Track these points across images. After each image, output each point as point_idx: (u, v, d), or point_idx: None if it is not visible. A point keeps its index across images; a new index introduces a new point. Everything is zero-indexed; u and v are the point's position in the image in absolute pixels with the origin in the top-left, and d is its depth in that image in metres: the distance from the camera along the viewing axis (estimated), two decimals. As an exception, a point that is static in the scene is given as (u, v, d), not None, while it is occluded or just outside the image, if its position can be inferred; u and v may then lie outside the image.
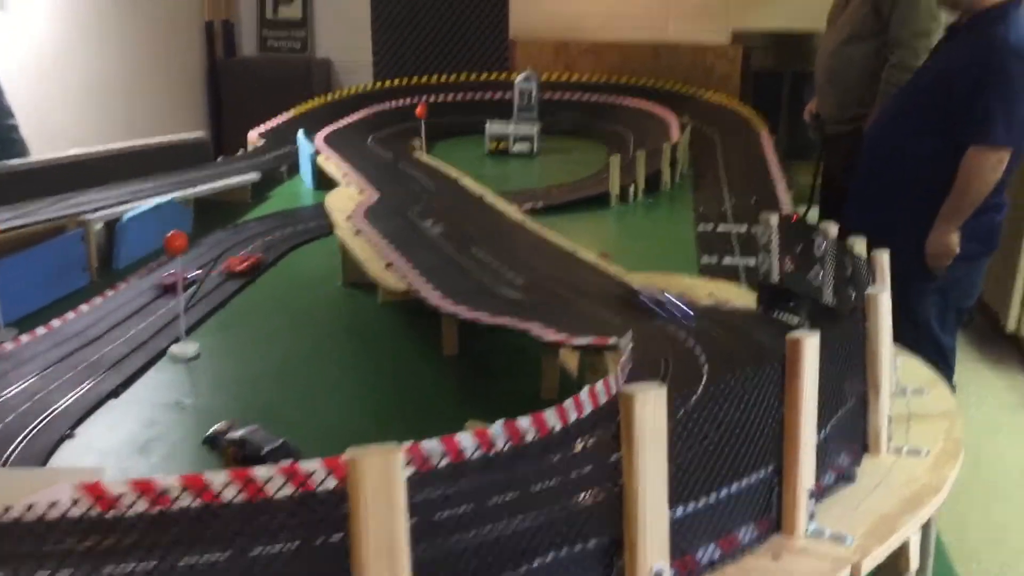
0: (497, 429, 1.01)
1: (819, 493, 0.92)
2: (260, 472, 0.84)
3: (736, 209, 3.09)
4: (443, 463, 0.96)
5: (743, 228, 2.89)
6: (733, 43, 5.15)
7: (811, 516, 0.88)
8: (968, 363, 3.91)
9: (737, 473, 0.83)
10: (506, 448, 0.99)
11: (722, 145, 3.86)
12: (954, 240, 2.76)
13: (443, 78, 4.59)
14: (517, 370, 1.89)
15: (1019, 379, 3.97)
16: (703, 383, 1.15)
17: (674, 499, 0.76)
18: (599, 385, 1.14)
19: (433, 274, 1.94)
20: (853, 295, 1.30)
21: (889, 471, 1.01)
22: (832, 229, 1.47)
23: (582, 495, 0.88)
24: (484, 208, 2.60)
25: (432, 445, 0.94)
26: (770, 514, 0.87)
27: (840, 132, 3.60)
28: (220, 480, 0.83)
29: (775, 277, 1.63)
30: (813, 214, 3.78)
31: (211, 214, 2.99)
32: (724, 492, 0.82)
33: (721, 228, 2.91)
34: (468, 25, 5.01)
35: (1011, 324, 3.96)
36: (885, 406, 1.03)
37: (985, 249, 2.89)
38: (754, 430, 0.82)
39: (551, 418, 1.05)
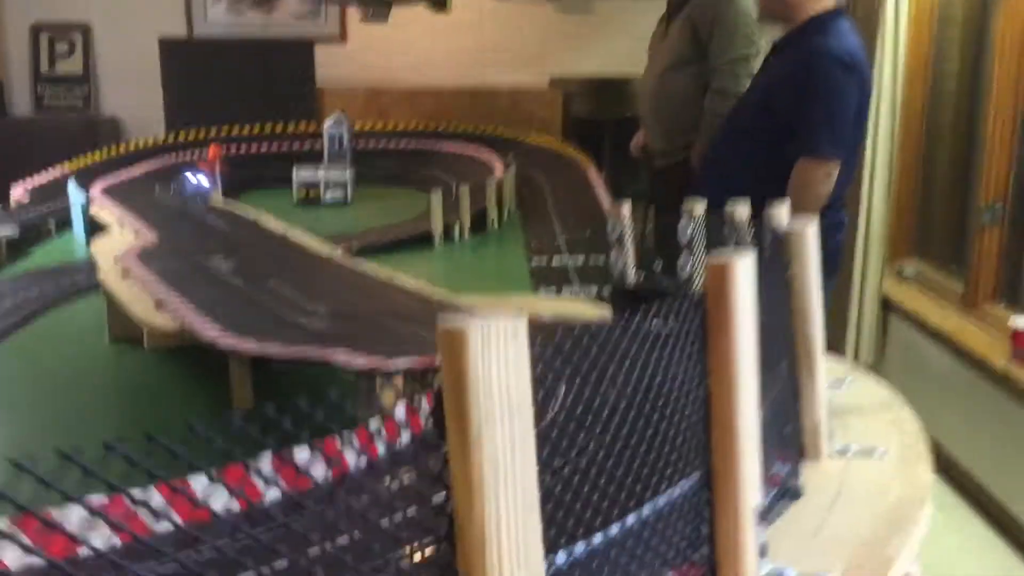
0: (263, 468, 0.66)
1: (763, 515, 0.61)
2: None
3: (571, 243, 2.86)
4: (165, 524, 0.59)
5: (580, 260, 2.65)
6: (551, 88, 5.03)
7: (763, 550, 0.57)
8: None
9: (646, 488, 0.50)
10: (277, 498, 0.64)
11: (549, 184, 3.65)
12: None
13: (245, 129, 4.20)
14: (327, 423, 1.53)
15: (860, 411, 3.89)
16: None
17: (551, 538, 0.43)
18: (423, 399, 0.81)
19: (214, 310, 1.55)
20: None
21: (843, 480, 0.72)
22: (699, 207, 1.21)
23: (402, 553, 0.54)
24: (286, 244, 2.23)
25: (147, 496, 0.57)
26: (699, 551, 0.55)
27: (668, 164, 3.46)
28: None
29: (631, 278, 1.35)
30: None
31: (-48, 275, 2.47)
32: (629, 521, 0.49)
33: (556, 262, 2.66)
34: (271, 75, 4.65)
35: (848, 353, 3.90)
36: (822, 393, 0.75)
37: (827, 271, 2.77)
38: (666, 411, 0.51)
39: (351, 447, 0.70)
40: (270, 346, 1.31)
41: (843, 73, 2.46)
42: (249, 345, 1.34)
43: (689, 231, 1.20)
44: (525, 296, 1.76)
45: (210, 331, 1.42)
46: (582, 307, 1.58)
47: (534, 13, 4.99)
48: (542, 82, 5.04)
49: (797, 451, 0.74)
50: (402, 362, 1.14)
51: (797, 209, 2.66)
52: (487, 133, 4.29)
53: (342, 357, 1.20)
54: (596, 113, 5.18)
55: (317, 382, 1.55)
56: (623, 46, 4.88)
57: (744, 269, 0.53)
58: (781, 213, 0.91)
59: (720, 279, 0.53)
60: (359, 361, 1.18)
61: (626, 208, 1.34)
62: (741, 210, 1.01)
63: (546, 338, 0.43)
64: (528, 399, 0.39)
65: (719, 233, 1.14)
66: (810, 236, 0.75)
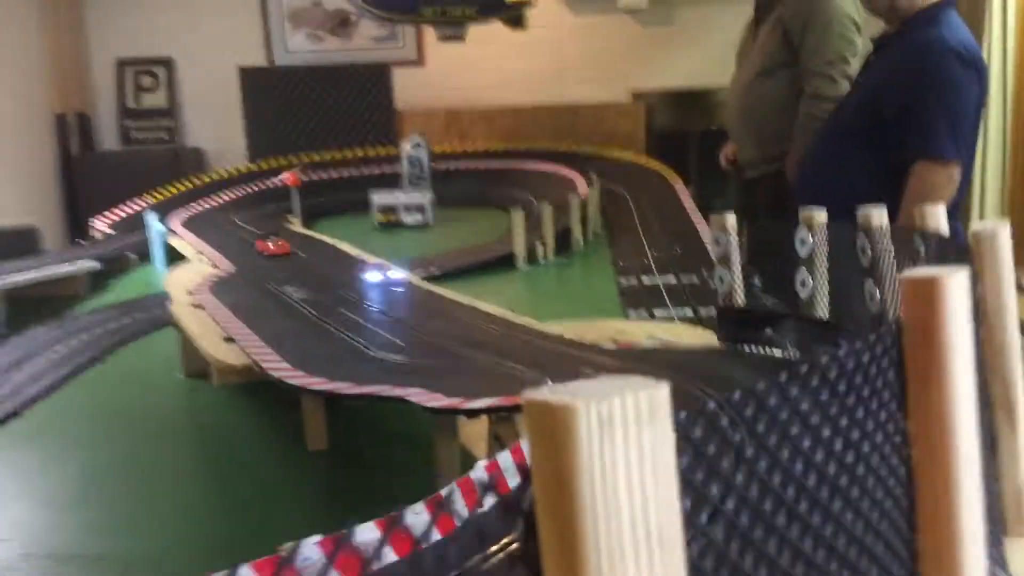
0: (309, 552, 0.53)
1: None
2: None
3: (660, 261, 2.70)
4: None
5: (671, 279, 2.50)
6: (634, 102, 4.88)
7: None
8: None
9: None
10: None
11: (635, 200, 3.50)
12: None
13: (325, 155, 4.17)
14: (405, 466, 1.41)
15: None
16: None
17: None
18: (504, 456, 0.68)
19: (284, 343, 1.45)
20: (877, 293, 0.87)
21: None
22: (820, 215, 1.06)
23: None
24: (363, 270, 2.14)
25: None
26: None
27: (760, 175, 3.28)
28: None
29: (739, 298, 1.20)
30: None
31: (34, 309, 2.45)
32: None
33: (646, 281, 2.51)
34: (349, 100, 4.62)
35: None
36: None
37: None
38: (852, 499, 0.36)
39: (417, 520, 0.57)
40: (341, 384, 1.20)
41: (962, 67, 2.25)
42: (318, 383, 1.23)
43: (809, 244, 1.05)
44: (617, 321, 1.62)
45: (278, 367, 1.31)
46: (682, 331, 1.44)
47: (613, 26, 4.86)
48: (624, 96, 4.90)
49: (997, 526, 0.58)
50: (482, 402, 1.01)
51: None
52: (569, 150, 4.17)
53: (417, 396, 1.08)
54: (680, 126, 5.01)
55: (391, 425, 1.44)
56: (706, 56, 4.72)
57: (959, 288, 0.38)
58: (939, 216, 0.75)
59: (927, 303, 0.37)
60: (436, 400, 1.06)
61: (731, 221, 1.19)
62: (878, 216, 0.86)
63: (693, 412, 0.29)
64: (677, 520, 0.25)
65: (845, 246, 0.98)
66: (1003, 241, 0.59)
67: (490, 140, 4.45)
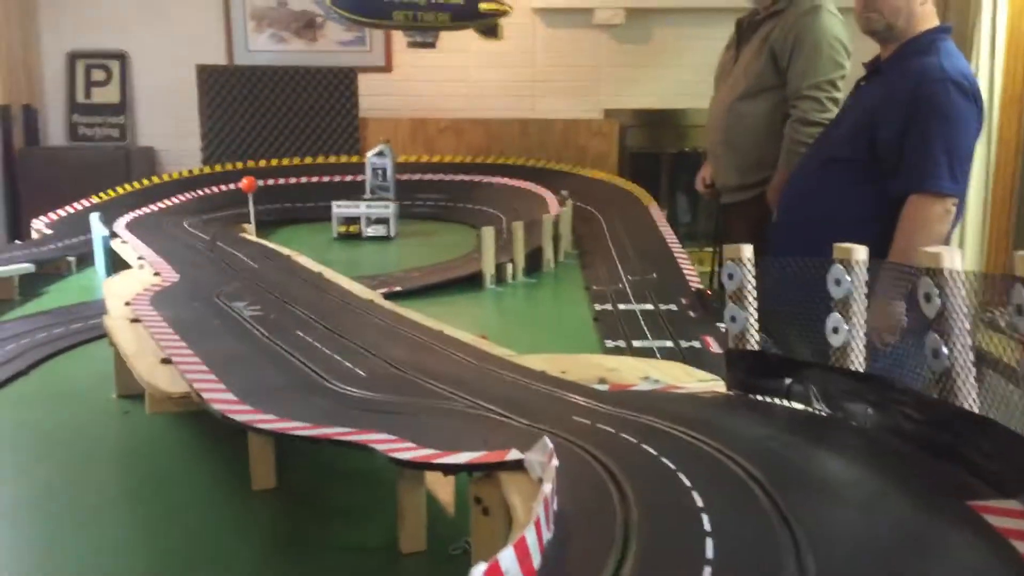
0: None
1: None
2: None
3: (636, 287, 2.57)
4: None
5: (649, 307, 2.36)
6: (607, 119, 4.76)
7: None
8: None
9: None
10: None
11: (608, 222, 3.37)
12: (899, 309, 2.29)
13: (284, 161, 3.99)
14: (363, 510, 1.25)
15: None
16: None
17: None
18: (506, 555, 0.52)
19: (231, 369, 1.28)
20: (943, 348, 0.73)
21: None
22: (859, 252, 0.92)
23: None
24: (321, 286, 1.97)
25: None
26: None
27: (739, 200, 3.16)
28: None
29: (753, 341, 1.06)
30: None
31: (-42, 315, 2.25)
32: None
33: (623, 307, 2.37)
34: (312, 104, 4.44)
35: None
36: None
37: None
38: None
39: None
40: (292, 423, 1.04)
41: (963, 98, 2.16)
42: (267, 420, 1.06)
43: (846, 285, 0.91)
44: (602, 356, 1.47)
45: (221, 399, 1.14)
46: (679, 372, 1.29)
47: (588, 42, 4.74)
48: (596, 114, 4.78)
49: None
50: (460, 457, 0.85)
51: (909, 252, 2.34)
52: (540, 166, 4.03)
53: (384, 444, 0.92)
54: (653, 146, 4.91)
55: (348, 464, 1.28)
56: (681, 77, 4.63)
57: None
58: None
59: None
60: (405, 451, 0.90)
61: (748, 252, 1.05)
62: (950, 259, 0.72)
63: None
64: None
65: (903, 287, 0.84)
66: None
67: (457, 152, 4.30)
